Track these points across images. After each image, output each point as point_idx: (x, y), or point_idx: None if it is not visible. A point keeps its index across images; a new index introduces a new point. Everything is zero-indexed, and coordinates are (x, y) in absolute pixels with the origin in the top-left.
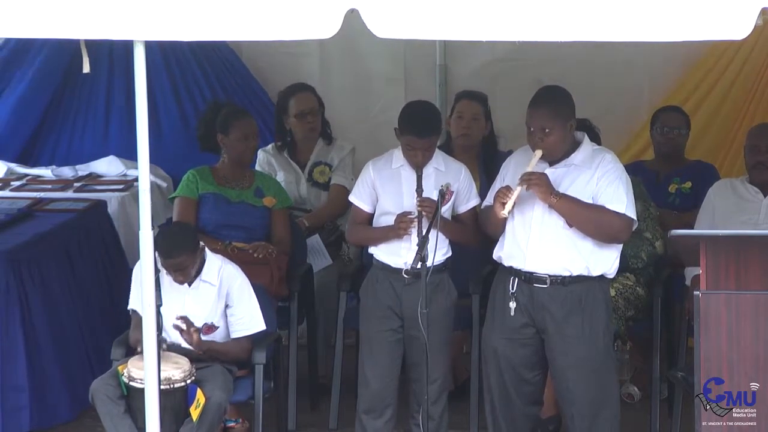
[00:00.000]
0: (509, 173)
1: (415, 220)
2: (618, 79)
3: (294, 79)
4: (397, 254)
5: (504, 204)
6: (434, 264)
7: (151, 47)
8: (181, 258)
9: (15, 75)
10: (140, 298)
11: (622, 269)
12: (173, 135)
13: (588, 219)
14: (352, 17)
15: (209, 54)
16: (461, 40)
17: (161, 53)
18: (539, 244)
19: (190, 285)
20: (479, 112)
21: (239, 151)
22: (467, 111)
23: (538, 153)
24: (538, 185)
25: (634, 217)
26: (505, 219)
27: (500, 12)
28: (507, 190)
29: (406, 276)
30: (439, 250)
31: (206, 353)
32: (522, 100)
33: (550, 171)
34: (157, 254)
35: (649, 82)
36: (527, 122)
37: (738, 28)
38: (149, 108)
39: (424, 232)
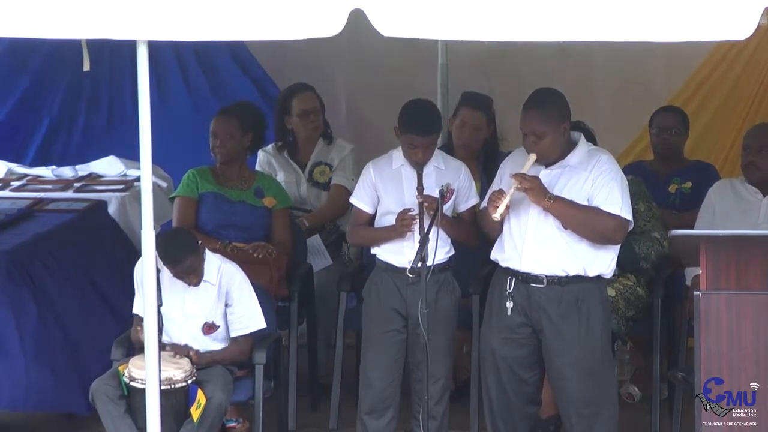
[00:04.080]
0: (506, 175)
1: (417, 217)
2: (627, 72)
3: (303, 79)
4: (400, 253)
5: (496, 207)
6: (438, 262)
7: (162, 46)
8: (188, 260)
9: (17, 75)
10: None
11: (631, 271)
12: (182, 134)
13: (582, 221)
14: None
15: (218, 51)
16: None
17: (174, 52)
18: (535, 246)
19: (189, 284)
20: (482, 122)
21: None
22: (470, 121)
23: (532, 157)
24: (530, 189)
25: (630, 218)
26: (501, 220)
27: (505, 12)
28: (500, 193)
29: (410, 275)
30: (442, 249)
31: (207, 365)
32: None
33: (545, 173)
34: (164, 264)
35: (659, 75)
36: (520, 126)
37: (740, 28)
38: (160, 107)
39: (425, 231)
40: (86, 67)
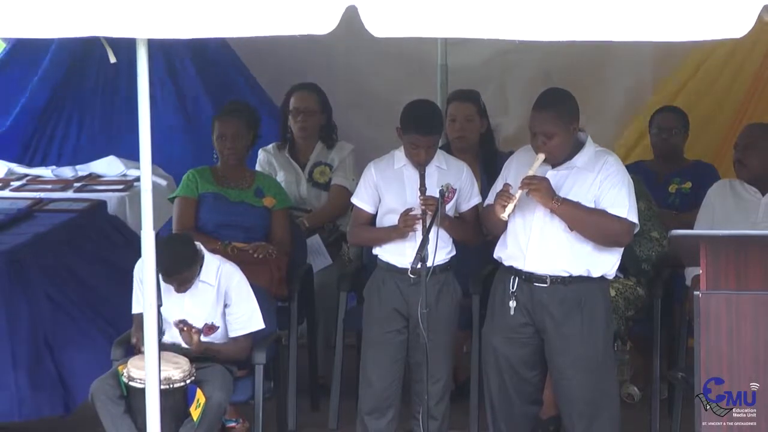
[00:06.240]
0: (511, 174)
1: (420, 217)
2: (624, 71)
3: (300, 80)
4: (402, 254)
5: (504, 206)
6: (439, 263)
7: (152, 45)
8: (183, 274)
9: (18, 76)
10: (141, 298)
11: (633, 273)
12: (175, 134)
13: (589, 223)
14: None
15: (208, 51)
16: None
17: (162, 51)
18: (539, 246)
19: (176, 290)
20: (472, 113)
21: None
22: (459, 113)
23: (541, 157)
24: (539, 190)
25: (636, 221)
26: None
27: (499, 10)
28: (508, 192)
29: (411, 276)
30: (443, 249)
31: (204, 353)
32: (529, 95)
33: (552, 173)
34: (158, 270)
35: (655, 74)
36: (530, 126)
37: (737, 26)
38: (151, 107)
39: (426, 231)
40: (112, 59)
